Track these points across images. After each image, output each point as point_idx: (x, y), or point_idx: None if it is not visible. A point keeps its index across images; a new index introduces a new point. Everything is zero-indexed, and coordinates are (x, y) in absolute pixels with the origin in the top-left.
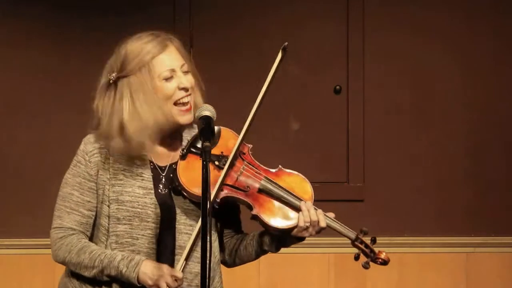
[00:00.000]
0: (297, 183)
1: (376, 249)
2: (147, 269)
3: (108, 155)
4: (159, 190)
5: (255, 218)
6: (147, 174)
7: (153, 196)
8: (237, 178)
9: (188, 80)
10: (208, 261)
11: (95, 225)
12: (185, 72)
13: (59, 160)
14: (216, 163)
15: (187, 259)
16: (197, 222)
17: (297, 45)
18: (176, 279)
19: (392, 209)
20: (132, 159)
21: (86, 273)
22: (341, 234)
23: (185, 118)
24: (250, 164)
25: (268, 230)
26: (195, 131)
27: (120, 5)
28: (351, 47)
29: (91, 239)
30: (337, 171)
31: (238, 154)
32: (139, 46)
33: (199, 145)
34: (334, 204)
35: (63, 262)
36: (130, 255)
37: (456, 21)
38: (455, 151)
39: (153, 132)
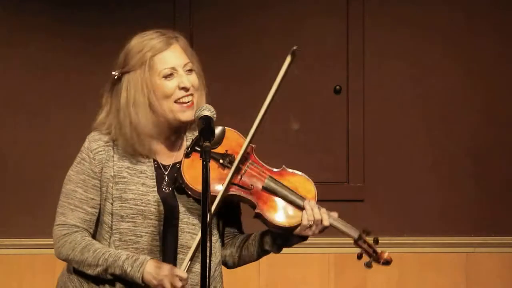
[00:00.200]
0: (301, 182)
1: (379, 249)
2: (152, 269)
3: (112, 152)
4: (163, 189)
5: (258, 216)
6: (151, 172)
7: (156, 194)
8: (241, 177)
9: (189, 80)
10: (208, 261)
11: (98, 222)
12: (188, 71)
13: (59, 160)
14: (221, 161)
15: (191, 259)
16: (200, 221)
17: (297, 45)
18: (180, 279)
19: (392, 209)
20: (135, 157)
21: (90, 271)
22: (344, 234)
23: (185, 115)
24: (254, 164)
25: (271, 228)
26: None
27: (121, 3)
28: (351, 47)
29: (94, 236)
30: (337, 171)
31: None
32: (142, 42)
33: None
34: (334, 204)
35: (66, 260)
36: (135, 255)
37: (456, 20)
38: (455, 151)
39: (151, 130)
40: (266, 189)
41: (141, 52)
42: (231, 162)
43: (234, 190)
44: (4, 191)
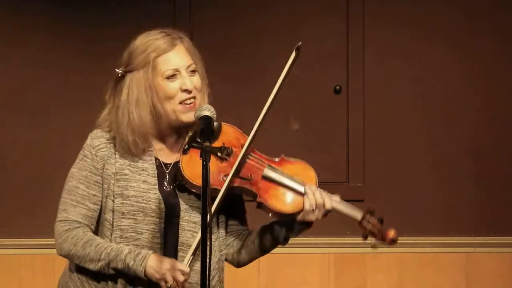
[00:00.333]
0: (300, 169)
1: (384, 228)
2: (154, 263)
3: (114, 150)
4: (164, 187)
5: (260, 205)
6: (152, 170)
7: (157, 192)
8: (240, 168)
9: (192, 82)
10: (208, 260)
11: (99, 220)
12: (191, 73)
13: (59, 160)
14: (219, 154)
15: (194, 254)
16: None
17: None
18: (183, 273)
19: (392, 209)
20: (137, 154)
21: (91, 266)
22: (347, 216)
23: (187, 116)
24: (253, 154)
25: (274, 216)
26: None
27: (121, 3)
28: (351, 47)
29: (95, 234)
30: (337, 171)
31: (241, 146)
32: (147, 42)
33: (199, 140)
34: None
35: (67, 255)
36: (137, 249)
37: (456, 20)
38: (455, 151)
39: (149, 130)
40: (266, 177)
41: (145, 52)
42: (229, 155)
43: (234, 182)
44: (4, 191)
